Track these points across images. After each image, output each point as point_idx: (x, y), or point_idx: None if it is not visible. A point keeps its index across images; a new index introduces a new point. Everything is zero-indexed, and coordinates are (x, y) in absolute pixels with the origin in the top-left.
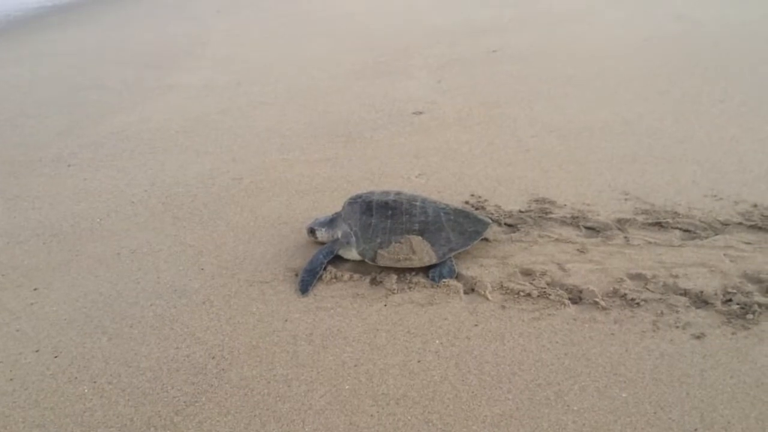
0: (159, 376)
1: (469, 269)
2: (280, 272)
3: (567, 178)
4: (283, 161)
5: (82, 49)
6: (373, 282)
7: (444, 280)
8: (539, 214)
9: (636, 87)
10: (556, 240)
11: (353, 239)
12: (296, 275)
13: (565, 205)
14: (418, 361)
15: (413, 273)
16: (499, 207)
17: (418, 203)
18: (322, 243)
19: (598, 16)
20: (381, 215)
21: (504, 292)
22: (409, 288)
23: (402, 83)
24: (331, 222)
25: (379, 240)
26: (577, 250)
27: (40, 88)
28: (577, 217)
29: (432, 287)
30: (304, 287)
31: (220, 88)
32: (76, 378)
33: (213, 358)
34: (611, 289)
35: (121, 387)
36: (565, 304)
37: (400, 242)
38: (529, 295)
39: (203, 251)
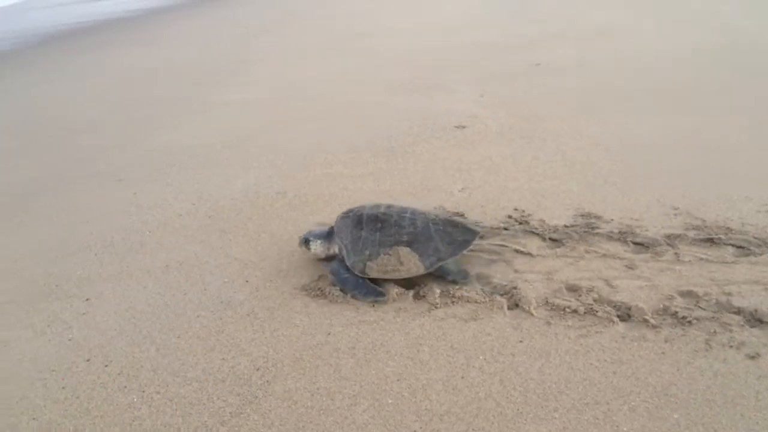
0: (205, 386)
1: (514, 284)
2: (324, 285)
3: (613, 192)
4: (326, 176)
5: (130, 67)
6: (416, 296)
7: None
8: (585, 229)
9: (684, 100)
10: (603, 255)
11: (344, 252)
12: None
13: (612, 219)
14: (462, 377)
15: (457, 287)
16: (544, 221)
17: (407, 215)
18: (316, 255)
19: (642, 28)
20: (371, 228)
21: (549, 308)
22: (452, 302)
23: (443, 97)
24: (327, 235)
25: (368, 252)
26: (625, 266)
27: (90, 105)
28: (625, 233)
29: (475, 303)
30: (373, 294)
31: (262, 105)
32: (125, 387)
33: (257, 369)
34: (661, 306)
35: (169, 396)
36: (613, 322)
37: (388, 254)
38: (575, 311)
39: (248, 264)
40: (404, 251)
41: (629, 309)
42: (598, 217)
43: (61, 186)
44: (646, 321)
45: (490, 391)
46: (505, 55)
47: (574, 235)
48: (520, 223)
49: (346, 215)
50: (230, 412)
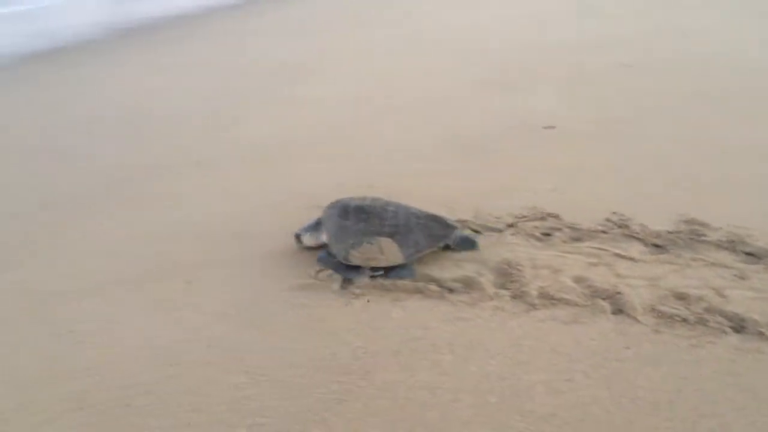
0: (308, 372)
1: (617, 289)
2: (419, 279)
3: (718, 199)
4: (413, 172)
5: (214, 61)
6: (515, 296)
7: (401, 280)
8: (690, 236)
9: None
10: (711, 264)
11: (331, 240)
12: (434, 283)
13: (720, 228)
14: (566, 380)
15: (556, 289)
16: (645, 226)
17: (390, 209)
18: (308, 246)
19: (735, 28)
20: (356, 218)
21: (657, 315)
22: (552, 304)
23: (529, 97)
24: (315, 226)
25: (351, 241)
26: (736, 276)
27: (178, 98)
28: (734, 242)
29: (576, 306)
30: (351, 273)
31: (347, 100)
32: (231, 368)
33: (357, 359)
34: None
35: (275, 379)
36: (726, 333)
37: (371, 243)
38: (685, 320)
39: None
40: (386, 242)
41: (743, 320)
42: (704, 225)
43: (153, 173)
44: (761, 334)
45: (597, 396)
46: (591, 54)
47: (679, 242)
48: (620, 227)
49: (333, 206)
50: (334, 399)
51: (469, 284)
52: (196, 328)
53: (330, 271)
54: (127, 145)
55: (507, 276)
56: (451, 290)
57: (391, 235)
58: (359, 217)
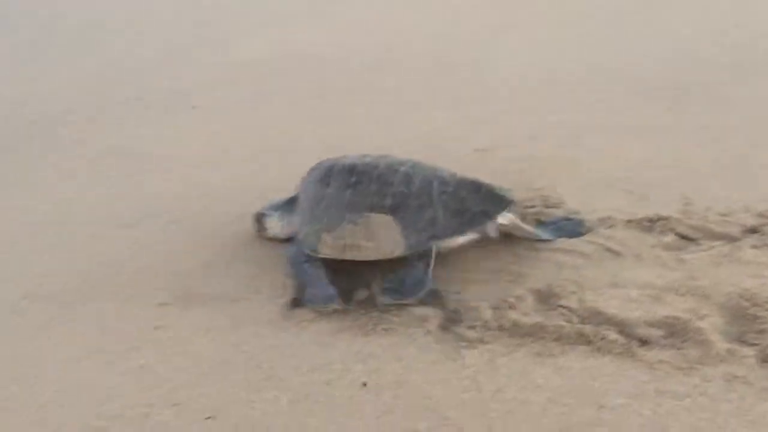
0: None
1: None
2: (575, 316)
3: None
4: (558, 125)
5: None
6: (765, 358)
7: (401, 300)
8: None
9: None
10: None
11: (300, 221)
12: (611, 326)
13: None
14: None
15: None
16: None
17: (402, 169)
18: (274, 236)
19: None
20: (340, 184)
21: None
22: None
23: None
24: (288, 204)
25: (326, 219)
26: None
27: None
28: None
29: None
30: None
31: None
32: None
33: None
34: None
35: None
36: None
37: (355, 222)
38: None
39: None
40: (380, 219)
41: None
42: None
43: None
44: None
45: None
46: None
47: None
48: None
49: (314, 168)
50: None
51: (677, 332)
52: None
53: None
54: None
55: (747, 320)
56: (644, 341)
57: (392, 210)
58: (345, 181)
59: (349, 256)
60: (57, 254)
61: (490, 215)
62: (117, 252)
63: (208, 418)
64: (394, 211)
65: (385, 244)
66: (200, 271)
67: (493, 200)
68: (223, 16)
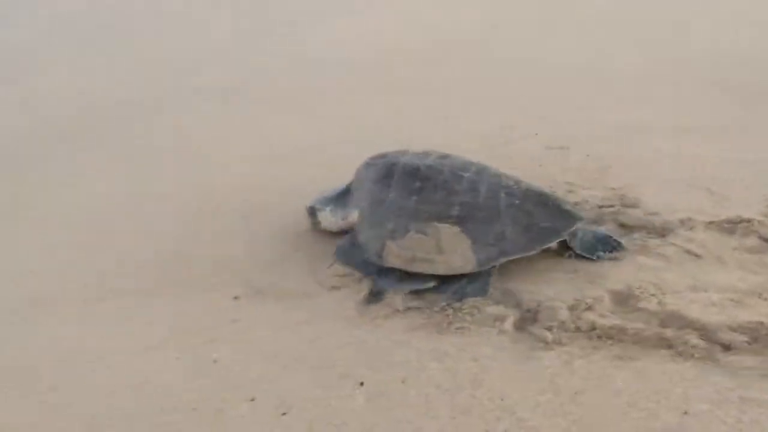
0: None
1: None
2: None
3: None
4: (629, 127)
5: None
6: None
7: (468, 300)
8: None
9: None
10: None
11: (361, 222)
12: (693, 330)
13: None
14: None
15: None
16: None
17: (467, 175)
18: (326, 228)
19: None
20: (403, 188)
21: None
22: None
23: None
24: (341, 196)
25: (391, 226)
26: None
27: None
28: None
29: None
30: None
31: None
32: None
33: None
34: None
35: None
36: None
37: (423, 233)
38: None
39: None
40: (449, 231)
41: None
42: None
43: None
44: None
45: None
46: None
47: None
48: None
49: (371, 163)
50: None
51: (761, 337)
52: None
53: (354, 272)
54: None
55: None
56: (726, 346)
57: (460, 221)
58: (409, 186)
59: (417, 269)
60: (126, 245)
61: (559, 232)
62: (191, 245)
63: (284, 414)
64: (461, 222)
65: (455, 259)
66: (277, 266)
67: (562, 216)
68: (285, 8)
